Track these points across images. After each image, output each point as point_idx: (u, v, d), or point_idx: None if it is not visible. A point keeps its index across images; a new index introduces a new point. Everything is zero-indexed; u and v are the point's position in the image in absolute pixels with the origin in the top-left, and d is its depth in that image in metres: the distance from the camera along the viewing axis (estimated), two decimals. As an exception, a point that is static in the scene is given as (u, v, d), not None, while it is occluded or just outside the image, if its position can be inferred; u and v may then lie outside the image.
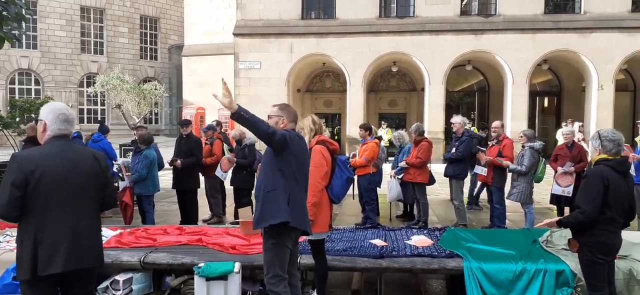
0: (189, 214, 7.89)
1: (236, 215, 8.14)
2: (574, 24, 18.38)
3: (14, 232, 5.86)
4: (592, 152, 3.75)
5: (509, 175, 7.40)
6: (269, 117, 3.87)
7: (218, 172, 8.09)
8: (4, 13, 8.40)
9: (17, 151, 14.09)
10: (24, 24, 8.98)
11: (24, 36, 11.01)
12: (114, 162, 8.73)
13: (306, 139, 4.38)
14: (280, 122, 3.84)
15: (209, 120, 23.10)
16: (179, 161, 7.67)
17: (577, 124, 15.74)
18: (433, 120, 18.88)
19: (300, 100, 22.61)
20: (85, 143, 9.72)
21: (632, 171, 6.84)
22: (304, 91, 23.11)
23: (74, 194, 2.98)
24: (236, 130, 8.57)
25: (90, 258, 3.05)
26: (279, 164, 3.69)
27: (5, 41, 8.74)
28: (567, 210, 7.71)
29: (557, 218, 3.78)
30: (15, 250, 5.08)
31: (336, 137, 21.38)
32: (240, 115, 3.40)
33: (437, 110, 19.05)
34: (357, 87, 19.25)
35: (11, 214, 2.85)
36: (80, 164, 3.04)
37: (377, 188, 8.13)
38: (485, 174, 7.44)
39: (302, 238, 4.51)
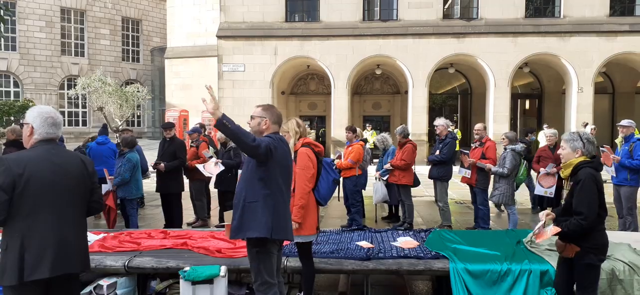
0: (173, 218, 7.80)
1: (221, 219, 8.09)
2: (554, 28, 18.70)
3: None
4: (570, 154, 3.62)
5: (492, 176, 7.48)
6: (252, 117, 3.81)
7: (201, 169, 7.88)
8: (-17, 15, 8.25)
9: (-5, 155, 13.83)
10: (2, 26, 8.81)
11: (2, 38, 10.77)
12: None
13: (291, 142, 4.38)
14: (262, 123, 3.77)
15: (193, 122, 22.95)
16: (162, 164, 7.59)
17: (589, 126, 15.50)
18: (417, 122, 19.02)
19: (285, 103, 22.58)
20: (84, 145, 9.61)
21: (613, 172, 6.98)
22: (289, 93, 23.09)
23: (62, 198, 2.95)
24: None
25: (76, 263, 3.02)
26: (262, 173, 3.61)
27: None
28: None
29: (555, 229, 3.56)
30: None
31: (321, 140, 21.39)
32: (223, 124, 3.32)
33: (420, 112, 19.19)
34: (341, 90, 19.30)
35: None
36: (68, 168, 3.01)
37: (363, 190, 8.16)
38: (469, 176, 7.51)
39: (287, 241, 4.50)
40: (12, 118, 14.80)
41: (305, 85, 23.42)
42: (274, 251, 3.78)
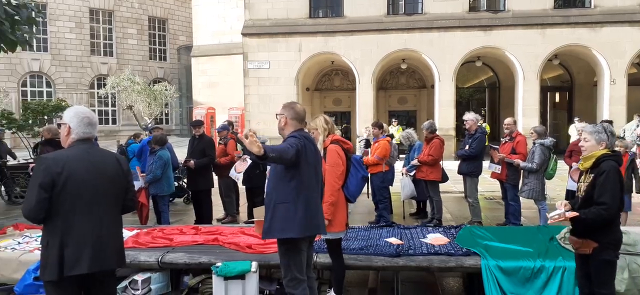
0: (203, 214, 7.93)
1: (249, 215, 8.17)
2: (584, 18, 18.23)
3: (33, 233, 5.94)
4: (594, 146, 3.55)
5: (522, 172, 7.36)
6: (276, 116, 3.89)
7: (232, 174, 8.03)
8: (16, 17, 8.48)
9: (31, 153, 14.23)
10: (35, 28, 9.05)
11: (34, 39, 11.10)
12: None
13: (320, 138, 4.42)
14: (282, 120, 3.83)
15: (219, 119, 23.22)
16: (192, 161, 7.71)
17: (577, 119, 15.00)
18: (444, 117, 18.81)
19: (310, 99, 22.63)
20: (125, 145, 9.91)
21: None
22: (313, 90, 23.12)
23: (98, 196, 3.03)
24: (248, 129, 8.62)
25: (113, 259, 3.11)
26: (291, 174, 3.64)
27: (18, 45, 8.83)
28: None
29: (572, 213, 3.50)
30: (34, 252, 5.20)
31: (345, 135, 21.37)
32: (269, 157, 3.37)
33: (447, 107, 18.98)
34: (366, 85, 19.22)
35: (38, 215, 2.88)
36: (104, 167, 3.09)
37: (390, 186, 8.12)
38: (500, 172, 7.41)
39: (319, 237, 4.53)
40: (45, 117, 15.18)
41: (329, 81, 23.41)
42: (304, 247, 3.81)
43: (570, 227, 3.70)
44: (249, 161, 7.90)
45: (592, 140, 3.56)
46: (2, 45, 8.17)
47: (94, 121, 3.17)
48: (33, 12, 9.14)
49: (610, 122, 14.32)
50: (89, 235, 2.95)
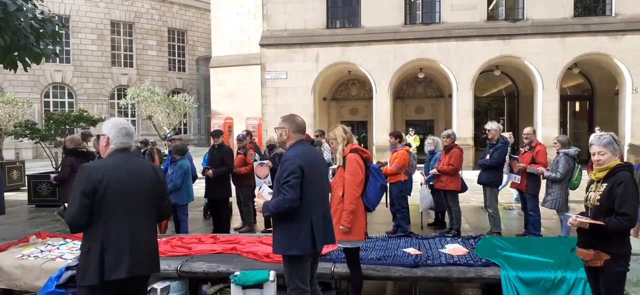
0: (221, 223, 7.98)
1: (267, 224, 8.20)
2: (605, 26, 17.99)
3: (55, 241, 6.05)
4: (611, 157, 3.54)
5: (543, 181, 7.26)
6: (276, 129, 3.94)
7: (259, 182, 7.73)
8: (41, 31, 8.69)
9: (52, 163, 14.51)
10: (59, 40, 9.26)
11: (57, 49, 11.27)
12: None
13: (339, 147, 4.48)
14: (283, 133, 3.88)
15: (237, 129, 23.38)
16: (210, 171, 7.79)
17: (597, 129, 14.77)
18: (462, 126, 18.68)
19: (326, 109, 22.68)
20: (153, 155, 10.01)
21: None
22: (330, 99, 23.18)
23: (136, 203, 3.15)
24: (272, 136, 8.76)
25: (149, 265, 3.22)
26: None
27: (42, 57, 9.02)
28: None
29: (596, 221, 3.40)
30: (56, 260, 5.28)
31: (362, 145, 21.33)
32: (271, 212, 3.69)
33: (465, 116, 18.84)
34: (383, 94, 19.21)
35: (81, 221, 3.00)
36: (141, 175, 3.22)
37: (408, 196, 8.09)
38: (519, 182, 7.33)
39: (336, 246, 4.54)
40: (66, 127, 15.46)
41: (346, 91, 23.45)
42: (309, 259, 3.84)
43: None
44: (268, 165, 7.91)
45: (609, 153, 3.55)
46: (27, 58, 8.36)
47: (131, 131, 3.30)
48: (57, 26, 9.35)
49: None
50: (127, 241, 3.07)
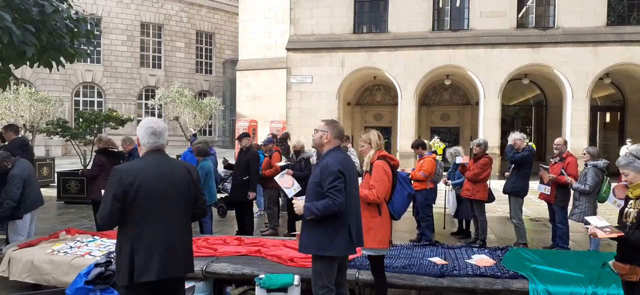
0: (245, 225, 8.03)
1: (289, 228, 8.22)
2: (638, 36, 17.52)
3: (84, 238, 6.17)
4: (636, 176, 3.50)
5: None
6: (316, 130, 3.96)
7: (288, 191, 7.80)
8: (75, 30, 8.88)
9: (81, 160, 14.83)
10: (93, 40, 9.46)
11: (90, 51, 11.48)
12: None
13: (370, 153, 4.47)
14: (324, 137, 3.90)
15: (261, 132, 23.54)
16: (252, 194, 7.89)
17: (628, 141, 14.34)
18: (488, 135, 18.33)
19: (351, 114, 22.64)
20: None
21: None
22: (354, 104, 23.13)
23: (168, 205, 3.13)
24: (298, 140, 8.78)
25: (182, 267, 3.21)
26: None
27: (76, 57, 9.22)
28: None
29: (611, 234, 3.36)
30: (85, 256, 5.38)
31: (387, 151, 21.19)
32: (314, 213, 3.66)
33: (492, 125, 18.57)
34: (408, 100, 19.08)
35: (111, 224, 3.05)
36: (174, 176, 3.20)
37: (433, 204, 8.01)
38: (549, 193, 7.18)
39: (360, 252, 4.52)
40: (96, 126, 15.76)
41: (371, 96, 23.37)
42: (338, 261, 3.88)
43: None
44: (288, 174, 7.88)
45: (632, 173, 3.52)
46: (61, 58, 8.54)
47: (158, 130, 3.24)
48: (91, 25, 9.55)
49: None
50: (159, 243, 3.06)
